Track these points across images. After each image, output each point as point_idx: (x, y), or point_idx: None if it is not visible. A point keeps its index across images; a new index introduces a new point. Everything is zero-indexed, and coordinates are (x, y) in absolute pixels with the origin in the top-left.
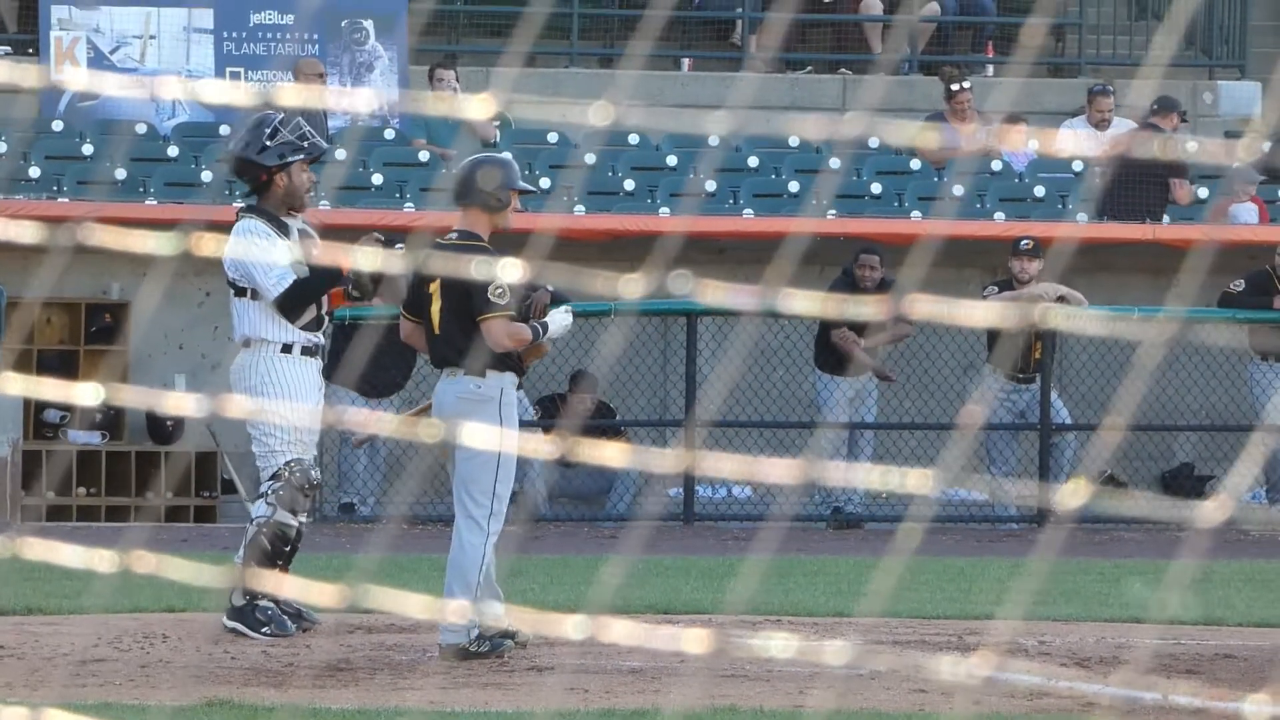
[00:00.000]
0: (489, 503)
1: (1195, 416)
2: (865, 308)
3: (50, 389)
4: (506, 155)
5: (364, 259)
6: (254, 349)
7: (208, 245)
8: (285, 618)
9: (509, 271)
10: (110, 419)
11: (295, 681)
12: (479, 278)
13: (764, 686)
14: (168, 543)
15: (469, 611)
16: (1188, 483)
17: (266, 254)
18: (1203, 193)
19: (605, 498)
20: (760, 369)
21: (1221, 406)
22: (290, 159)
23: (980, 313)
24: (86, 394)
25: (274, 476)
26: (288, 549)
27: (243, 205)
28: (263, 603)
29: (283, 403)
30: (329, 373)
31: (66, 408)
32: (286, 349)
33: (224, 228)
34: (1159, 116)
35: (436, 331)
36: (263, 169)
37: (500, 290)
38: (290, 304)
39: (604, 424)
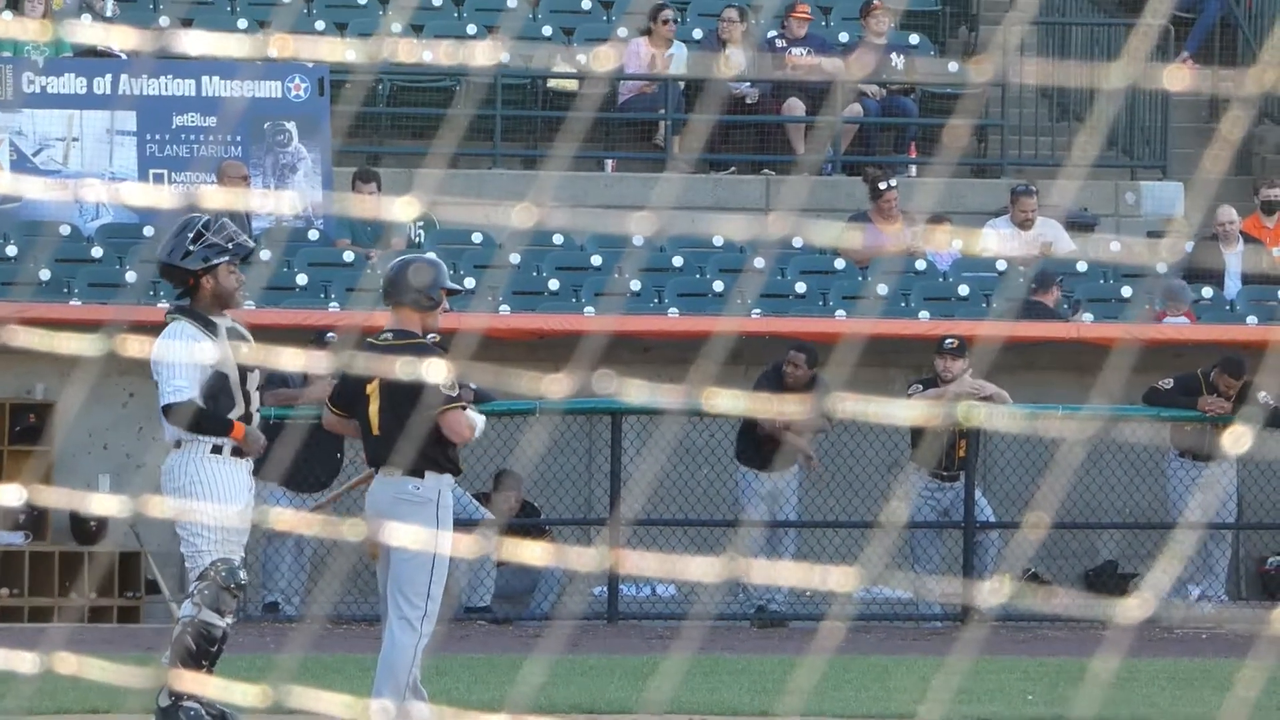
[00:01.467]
0: (423, 604)
1: (1119, 514)
2: (789, 406)
3: None
4: (433, 255)
5: (290, 359)
6: (185, 449)
7: (132, 346)
8: (209, 719)
9: (434, 371)
10: (33, 519)
11: None
12: (423, 377)
13: None
14: (91, 643)
15: (393, 712)
16: (1111, 580)
17: (181, 359)
18: (1126, 291)
19: (529, 596)
20: (685, 467)
21: (1145, 504)
22: (215, 261)
23: (904, 411)
24: (9, 495)
25: (200, 576)
26: (213, 649)
27: (172, 308)
28: (187, 703)
29: (211, 503)
30: (256, 467)
31: None
32: (217, 450)
33: (149, 328)
34: (1040, 293)
35: (375, 432)
36: (188, 274)
37: (452, 384)
38: (173, 417)
39: (528, 523)
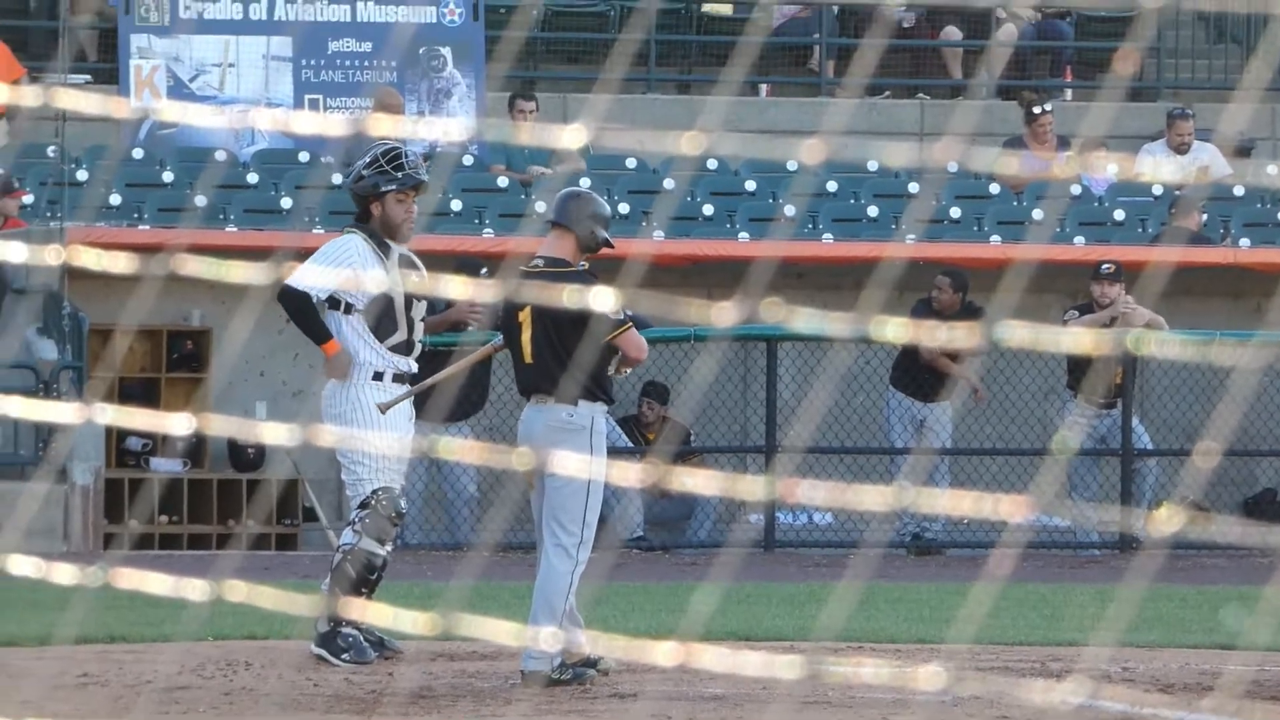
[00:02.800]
0: (579, 531)
1: (1278, 442)
2: (959, 335)
3: (142, 419)
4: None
5: (455, 288)
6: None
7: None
8: (366, 645)
9: (602, 300)
10: (193, 447)
11: (378, 709)
12: (590, 305)
13: (847, 713)
14: (250, 571)
15: (555, 639)
16: (1270, 508)
17: (326, 264)
18: None
19: (685, 524)
20: (840, 394)
21: None
22: (384, 189)
23: (1075, 340)
24: (179, 424)
25: (362, 505)
26: (373, 577)
27: (351, 225)
28: (345, 630)
29: (372, 431)
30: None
31: (150, 436)
32: (378, 376)
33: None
34: (1181, 218)
35: (528, 360)
36: (358, 197)
37: (618, 308)
38: (284, 302)
39: (682, 450)
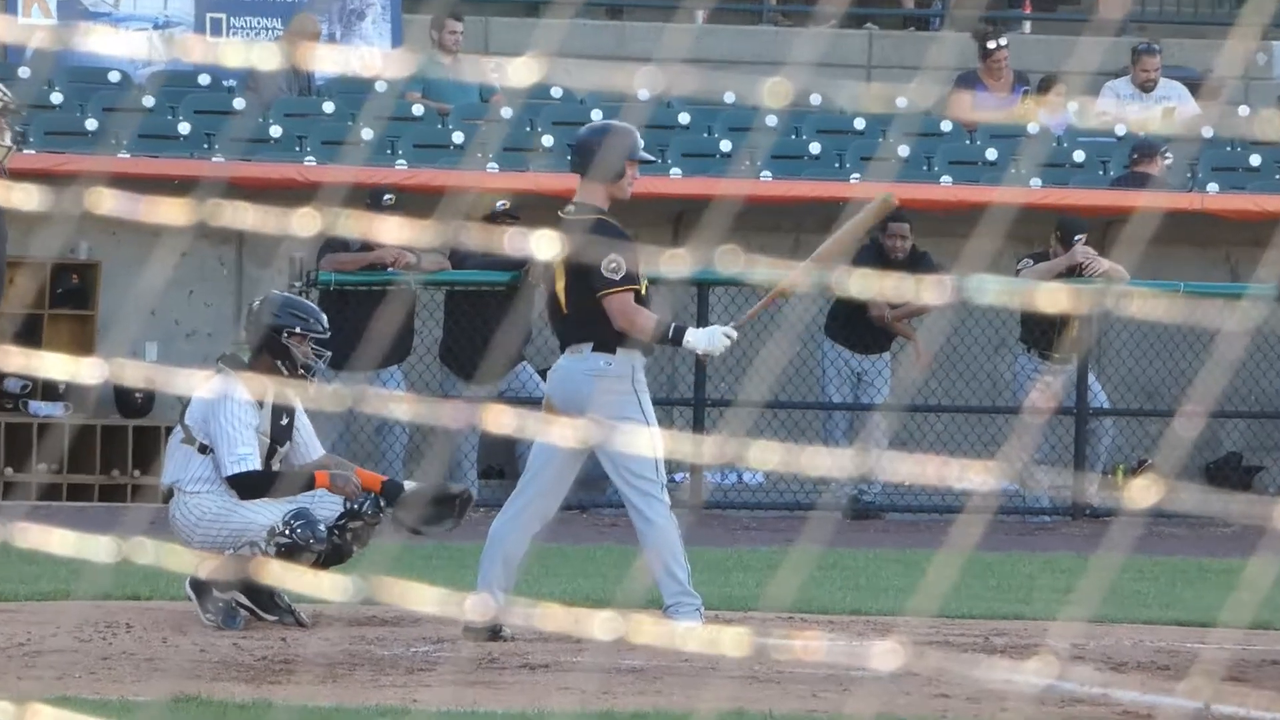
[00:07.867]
0: (656, 475)
1: (1244, 403)
2: (928, 288)
3: (53, 365)
4: (626, 124)
5: (390, 232)
6: (179, 498)
7: (225, 215)
8: (239, 614)
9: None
10: (74, 389)
11: (269, 677)
12: (592, 257)
13: (774, 689)
14: (134, 524)
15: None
16: (1235, 473)
17: (237, 425)
18: (1254, 160)
19: (606, 482)
20: (775, 345)
21: (1273, 393)
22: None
23: (1052, 297)
24: (89, 370)
25: (270, 534)
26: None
27: (229, 355)
28: (217, 594)
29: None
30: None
31: (29, 377)
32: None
33: (237, 191)
34: (1143, 163)
35: (565, 310)
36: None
37: (615, 265)
38: (243, 488)
39: None
